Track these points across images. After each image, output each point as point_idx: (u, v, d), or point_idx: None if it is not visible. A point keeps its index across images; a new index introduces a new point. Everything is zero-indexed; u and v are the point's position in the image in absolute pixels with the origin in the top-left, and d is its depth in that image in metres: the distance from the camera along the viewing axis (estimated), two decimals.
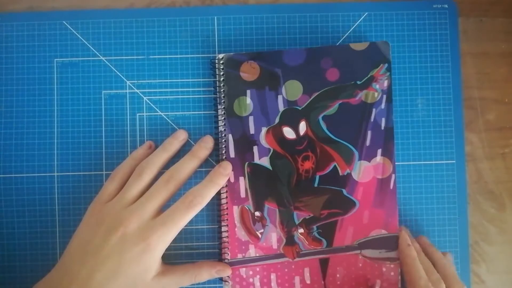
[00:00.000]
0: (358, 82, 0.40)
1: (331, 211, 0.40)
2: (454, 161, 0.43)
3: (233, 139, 0.41)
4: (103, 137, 0.43)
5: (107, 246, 0.36)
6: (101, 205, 0.39)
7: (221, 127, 0.41)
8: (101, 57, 0.43)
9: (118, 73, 0.43)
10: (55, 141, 0.42)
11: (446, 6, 0.44)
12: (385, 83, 0.40)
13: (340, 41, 0.43)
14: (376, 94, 0.40)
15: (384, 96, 0.40)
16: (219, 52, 0.43)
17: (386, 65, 0.40)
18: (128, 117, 0.43)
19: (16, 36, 0.43)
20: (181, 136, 0.41)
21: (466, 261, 0.43)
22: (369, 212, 0.40)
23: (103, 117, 0.43)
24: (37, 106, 0.42)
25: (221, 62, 0.41)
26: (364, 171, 0.40)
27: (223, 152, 0.41)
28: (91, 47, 0.43)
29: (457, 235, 0.43)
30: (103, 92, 0.43)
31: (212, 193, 0.39)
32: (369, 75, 0.40)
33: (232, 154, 0.41)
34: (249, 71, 0.41)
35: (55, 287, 0.35)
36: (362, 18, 0.44)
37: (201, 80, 0.43)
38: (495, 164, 0.44)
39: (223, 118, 0.41)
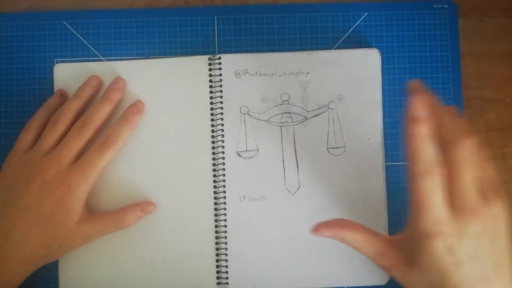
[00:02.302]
0: None
1: None
2: None
3: None
4: None
5: (27, 194, 0.37)
6: (18, 156, 0.39)
7: None
8: (101, 57, 0.43)
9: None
10: None
11: (446, 6, 0.44)
12: None
13: (340, 41, 0.43)
14: None
15: None
16: (219, 52, 0.43)
17: None
18: None
19: (16, 36, 0.43)
20: (93, 82, 0.41)
21: None
22: None
23: None
24: (38, 107, 0.42)
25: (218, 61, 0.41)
26: None
27: None
28: (91, 47, 0.43)
29: None
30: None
31: (126, 132, 0.40)
32: None
33: None
34: None
35: None
36: (362, 18, 0.44)
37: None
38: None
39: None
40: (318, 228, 0.34)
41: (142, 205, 0.40)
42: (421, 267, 0.32)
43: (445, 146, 0.31)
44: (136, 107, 0.41)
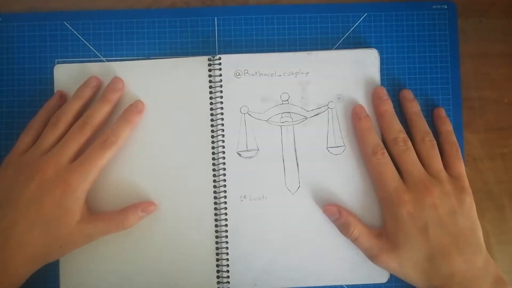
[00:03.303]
0: None
1: None
2: None
3: None
4: None
5: (26, 194, 0.37)
6: (18, 156, 0.39)
7: None
8: (102, 58, 0.43)
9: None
10: None
11: (445, 6, 0.44)
12: None
13: (340, 41, 0.44)
14: None
15: None
16: (219, 53, 0.43)
17: None
18: None
19: (17, 37, 0.43)
20: (93, 83, 0.41)
21: None
22: None
23: None
24: (38, 107, 0.42)
25: (218, 62, 0.42)
26: None
27: None
28: (92, 48, 0.43)
29: None
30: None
31: (126, 131, 0.40)
32: None
33: None
34: None
35: None
36: (361, 19, 0.44)
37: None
38: (495, 164, 0.44)
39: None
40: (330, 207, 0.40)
41: (143, 206, 0.40)
42: (401, 244, 0.37)
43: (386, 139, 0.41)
44: (136, 107, 0.41)
